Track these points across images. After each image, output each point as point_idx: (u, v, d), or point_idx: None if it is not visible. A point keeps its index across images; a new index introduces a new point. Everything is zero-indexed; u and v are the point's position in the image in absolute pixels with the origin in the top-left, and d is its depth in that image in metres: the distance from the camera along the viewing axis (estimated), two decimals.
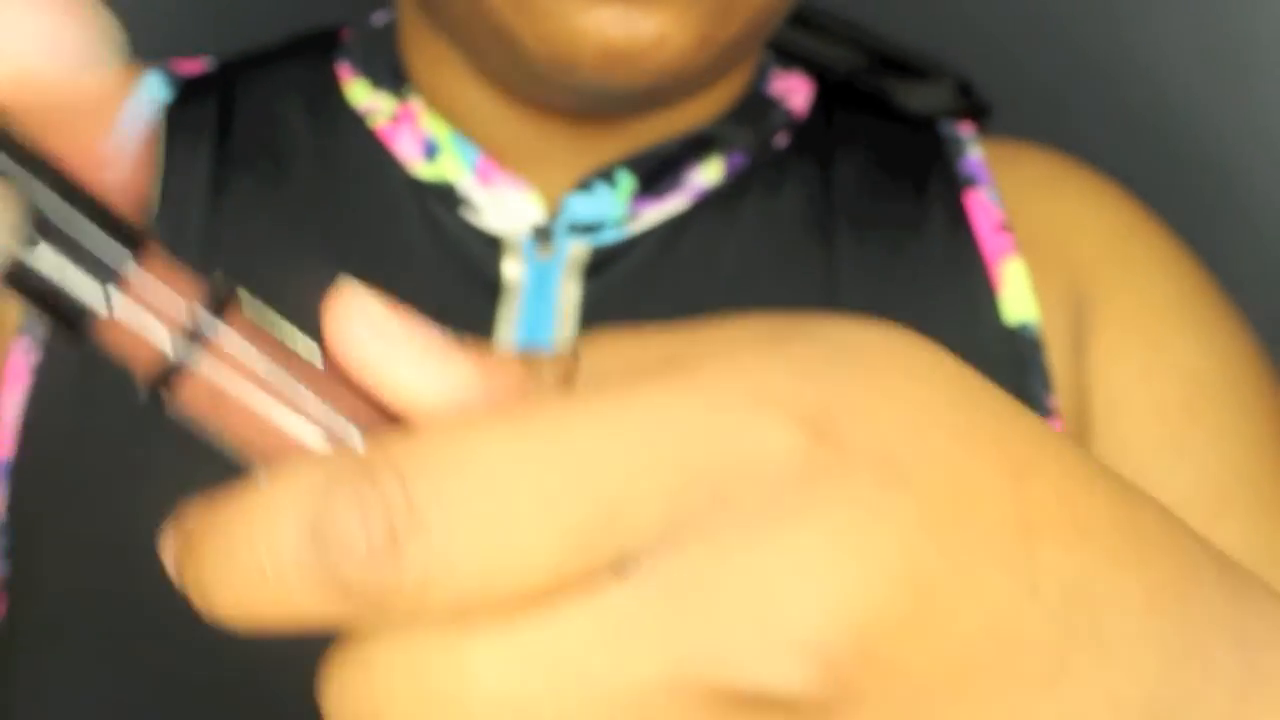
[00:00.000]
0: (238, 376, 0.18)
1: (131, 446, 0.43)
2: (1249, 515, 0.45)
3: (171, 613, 0.41)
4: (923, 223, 0.49)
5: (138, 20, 0.52)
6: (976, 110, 0.54)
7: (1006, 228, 0.49)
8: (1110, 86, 0.67)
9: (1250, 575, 0.23)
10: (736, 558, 0.17)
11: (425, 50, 0.49)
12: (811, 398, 0.18)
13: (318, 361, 0.18)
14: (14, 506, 0.44)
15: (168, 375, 0.18)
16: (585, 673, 0.17)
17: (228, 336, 0.18)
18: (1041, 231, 0.50)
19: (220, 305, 0.18)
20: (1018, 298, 0.48)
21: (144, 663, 0.41)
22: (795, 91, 0.52)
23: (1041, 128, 0.57)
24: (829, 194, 0.49)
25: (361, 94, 0.50)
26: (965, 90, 0.54)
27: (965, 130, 0.53)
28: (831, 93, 0.53)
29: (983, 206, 0.49)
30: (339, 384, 0.18)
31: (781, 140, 0.50)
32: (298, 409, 0.18)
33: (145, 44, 0.58)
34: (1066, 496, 0.20)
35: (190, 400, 0.18)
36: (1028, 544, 0.19)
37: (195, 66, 0.53)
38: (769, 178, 0.49)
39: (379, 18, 0.53)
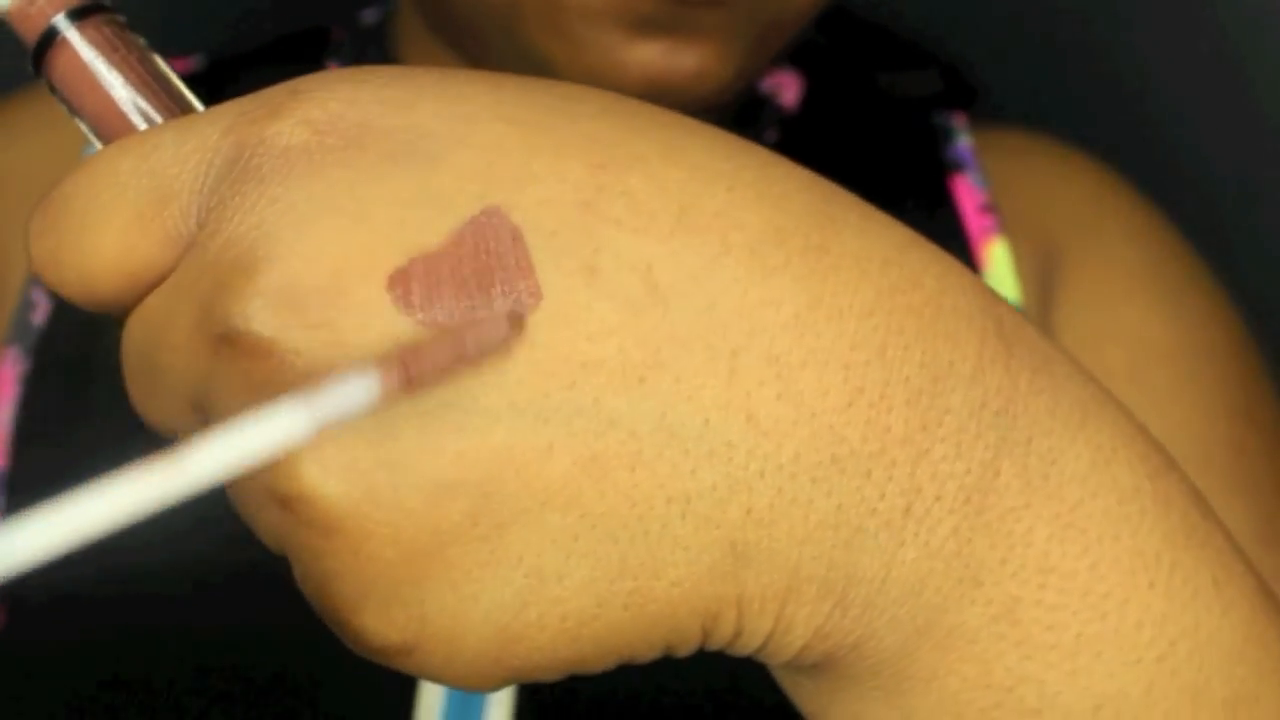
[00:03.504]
0: (92, 64, 0.23)
1: (120, 455, 0.43)
2: None
3: (162, 619, 0.42)
4: (908, 207, 0.48)
5: (127, 19, 0.52)
6: (964, 93, 0.54)
7: (989, 208, 0.49)
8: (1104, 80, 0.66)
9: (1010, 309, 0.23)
10: (239, 218, 0.20)
11: (420, 47, 0.48)
12: (330, 110, 0.21)
13: (154, 69, 0.24)
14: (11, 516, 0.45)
15: (43, 50, 0.23)
16: (157, 323, 0.21)
17: (85, 34, 0.24)
18: (1017, 206, 0.49)
19: (84, 13, 0.24)
20: (1001, 279, 0.48)
21: (133, 669, 0.42)
22: (785, 87, 0.51)
23: (1038, 119, 0.56)
24: None
25: None
26: (953, 74, 0.54)
27: (958, 120, 0.52)
28: (821, 86, 0.53)
29: (967, 189, 0.49)
30: (159, 88, 0.24)
31: (770, 136, 0.50)
32: (133, 102, 0.24)
33: None
34: (667, 190, 0.21)
35: (59, 76, 0.24)
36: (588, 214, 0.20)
37: (183, 65, 0.53)
38: None
39: (369, 15, 0.53)
